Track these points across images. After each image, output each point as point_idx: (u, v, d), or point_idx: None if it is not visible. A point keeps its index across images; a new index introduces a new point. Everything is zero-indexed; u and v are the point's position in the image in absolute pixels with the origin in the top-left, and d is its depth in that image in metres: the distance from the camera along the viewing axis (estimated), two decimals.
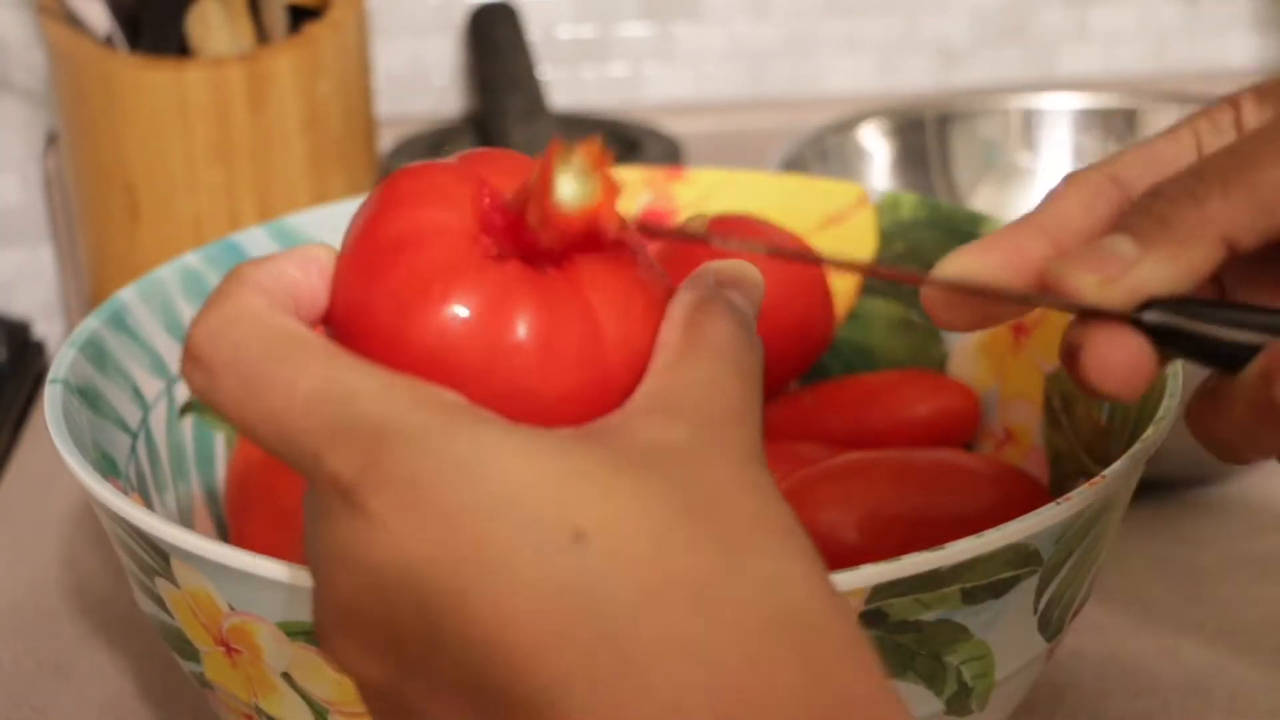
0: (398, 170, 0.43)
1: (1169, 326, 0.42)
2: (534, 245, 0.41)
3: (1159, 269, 0.42)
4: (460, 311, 0.40)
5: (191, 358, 0.39)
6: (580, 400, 0.40)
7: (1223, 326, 0.42)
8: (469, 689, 0.35)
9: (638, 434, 0.38)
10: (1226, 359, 0.43)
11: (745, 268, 0.43)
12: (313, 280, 0.41)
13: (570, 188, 0.39)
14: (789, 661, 0.34)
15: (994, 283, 0.44)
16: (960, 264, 0.45)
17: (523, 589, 0.34)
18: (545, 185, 0.39)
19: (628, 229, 0.42)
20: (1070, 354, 0.43)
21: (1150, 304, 0.42)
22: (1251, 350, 0.42)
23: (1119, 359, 0.42)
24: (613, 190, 0.40)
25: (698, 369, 0.40)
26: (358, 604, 0.36)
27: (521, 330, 0.40)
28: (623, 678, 0.34)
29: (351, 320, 0.41)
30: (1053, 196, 0.46)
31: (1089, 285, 0.42)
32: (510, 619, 0.34)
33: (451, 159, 0.44)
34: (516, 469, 0.35)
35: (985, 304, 0.45)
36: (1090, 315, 0.42)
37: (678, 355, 0.40)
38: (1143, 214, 0.43)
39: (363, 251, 0.41)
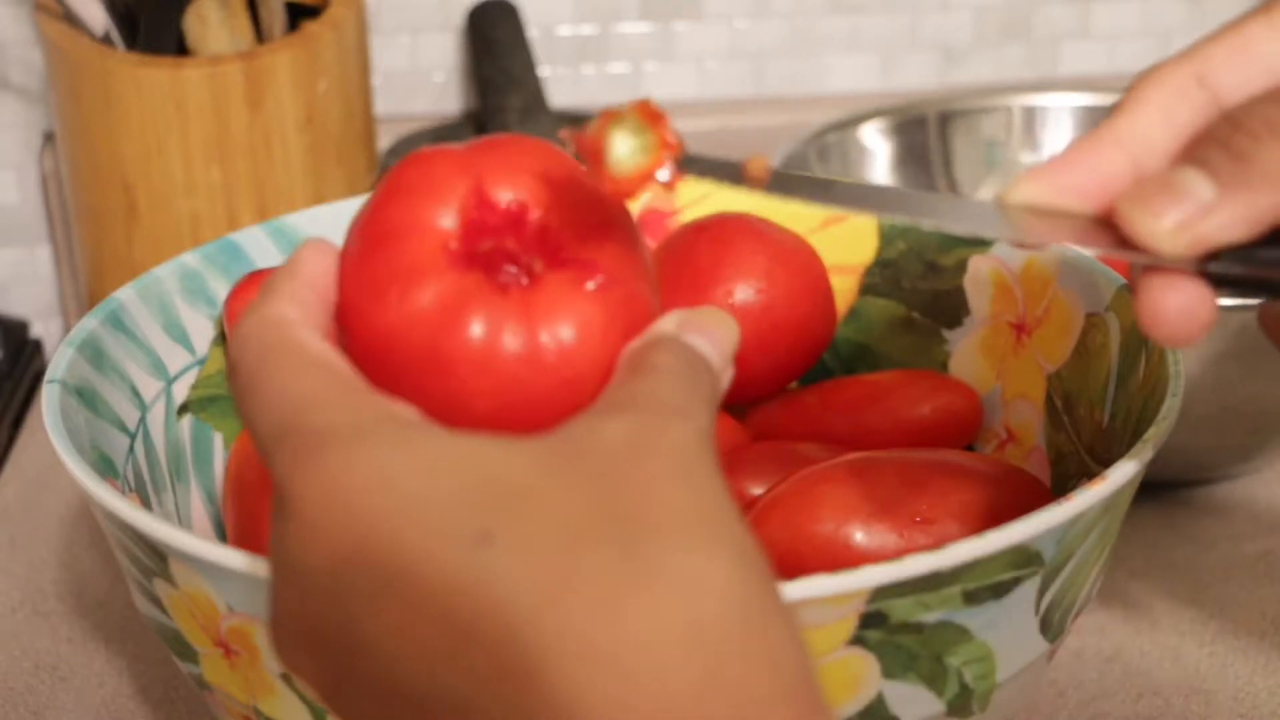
0: (405, 158, 0.44)
1: (1236, 277, 0.40)
2: (512, 248, 0.42)
3: (1235, 218, 0.40)
4: (410, 312, 0.41)
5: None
6: (514, 413, 0.41)
7: None
8: (385, 693, 0.35)
9: (572, 435, 0.37)
10: None
11: (715, 314, 0.43)
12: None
13: (625, 147, 0.40)
14: (694, 667, 0.33)
15: (1064, 209, 0.41)
16: (1029, 189, 0.42)
17: (427, 592, 0.34)
18: (599, 147, 0.40)
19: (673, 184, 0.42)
20: (1131, 291, 0.41)
21: (1218, 253, 0.40)
22: None
23: (1174, 306, 0.40)
24: (669, 147, 0.40)
25: (642, 384, 0.40)
26: (294, 605, 0.37)
27: (463, 339, 0.41)
28: (521, 679, 0.33)
29: (338, 309, 0.42)
30: (1131, 102, 0.43)
31: (1161, 234, 0.40)
32: (414, 622, 0.34)
33: (461, 146, 0.44)
34: (434, 473, 0.36)
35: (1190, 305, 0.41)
36: (1156, 263, 0.40)
37: (618, 381, 0.41)
38: (1222, 148, 0.41)
39: (352, 242, 0.43)
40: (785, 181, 0.42)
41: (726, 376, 0.42)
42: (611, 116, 0.40)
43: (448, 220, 0.42)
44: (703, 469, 0.37)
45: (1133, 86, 0.43)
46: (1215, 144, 0.41)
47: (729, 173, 0.42)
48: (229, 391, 0.41)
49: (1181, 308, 0.41)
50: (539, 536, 0.34)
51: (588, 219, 0.43)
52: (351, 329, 0.42)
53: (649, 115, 0.40)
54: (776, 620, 0.35)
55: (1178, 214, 0.40)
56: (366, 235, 0.43)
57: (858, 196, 0.43)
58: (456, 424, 0.39)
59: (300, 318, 0.41)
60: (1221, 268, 0.40)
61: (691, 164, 0.42)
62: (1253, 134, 0.40)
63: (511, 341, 0.41)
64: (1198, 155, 0.41)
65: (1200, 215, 0.40)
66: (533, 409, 0.41)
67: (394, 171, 0.43)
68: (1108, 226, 0.42)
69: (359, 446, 0.36)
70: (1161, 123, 0.43)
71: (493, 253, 0.42)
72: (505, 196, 0.43)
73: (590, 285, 0.42)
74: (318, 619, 0.36)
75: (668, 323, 0.42)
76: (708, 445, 0.38)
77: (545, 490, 0.35)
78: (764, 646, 0.34)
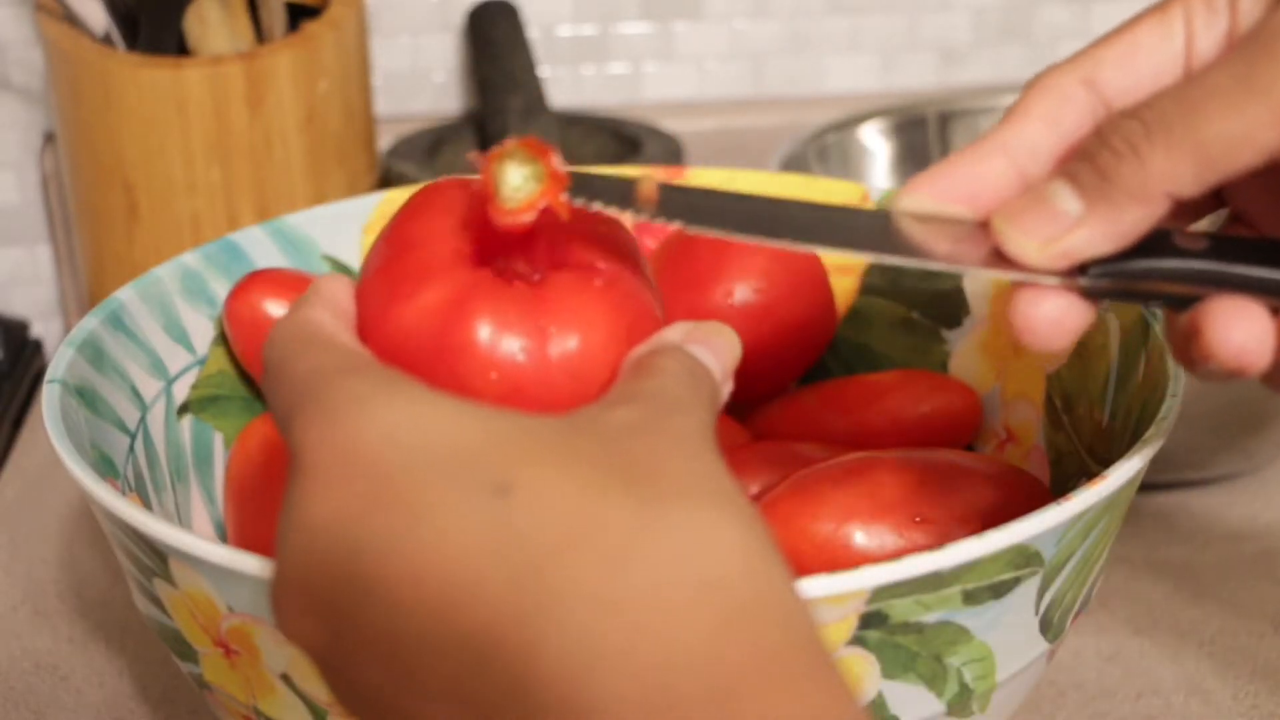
0: (418, 189, 0.47)
1: (1104, 289, 0.42)
2: (520, 254, 0.44)
3: (1099, 233, 0.41)
4: (422, 307, 0.43)
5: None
6: (521, 404, 0.42)
7: (1157, 282, 0.42)
8: (386, 654, 0.35)
9: (583, 415, 0.38)
10: (1164, 304, 0.43)
11: (718, 329, 0.44)
12: None
13: (515, 178, 0.42)
14: (705, 620, 0.33)
15: (947, 215, 0.43)
16: (914, 197, 0.44)
17: (440, 540, 0.35)
18: (490, 182, 0.42)
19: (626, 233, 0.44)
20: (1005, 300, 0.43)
21: (1088, 265, 0.42)
22: (1185, 300, 0.42)
23: (1045, 315, 0.42)
24: (557, 181, 0.42)
25: (647, 382, 0.41)
26: (299, 563, 0.37)
27: (471, 332, 0.43)
28: (535, 622, 0.34)
29: (358, 321, 0.45)
30: (1018, 108, 0.44)
31: (1030, 249, 0.41)
32: (428, 569, 0.35)
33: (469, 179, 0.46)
34: (455, 429, 0.36)
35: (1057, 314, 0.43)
36: (1028, 279, 0.42)
37: (623, 380, 0.42)
38: (1089, 162, 0.42)
39: (370, 260, 0.45)
40: (673, 202, 0.43)
41: (726, 389, 0.43)
42: (499, 154, 0.42)
43: (459, 231, 0.44)
44: (707, 451, 0.38)
45: (1023, 91, 0.44)
46: (1083, 158, 0.42)
47: (619, 195, 0.44)
48: (255, 392, 0.43)
49: (1052, 316, 0.42)
50: (556, 489, 0.35)
51: (588, 228, 0.45)
52: (369, 332, 0.44)
53: (535, 149, 0.42)
54: (784, 582, 0.35)
55: (1045, 229, 0.42)
56: (383, 250, 0.45)
57: (745, 219, 0.44)
58: None
59: (330, 320, 0.43)
60: (1090, 281, 0.42)
61: (581, 190, 0.43)
62: (1115, 150, 0.41)
63: (519, 335, 0.43)
64: (1068, 168, 0.42)
65: (1066, 230, 0.42)
66: (539, 402, 0.43)
67: (409, 199, 0.46)
68: (990, 232, 0.43)
69: (376, 404, 0.37)
70: (1046, 129, 0.44)
71: (502, 256, 0.44)
72: None
73: (597, 283, 0.44)
74: (324, 575, 0.36)
75: (672, 333, 0.44)
76: (710, 437, 0.39)
77: (563, 449, 0.36)
78: (775, 602, 0.34)
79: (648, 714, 0.32)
